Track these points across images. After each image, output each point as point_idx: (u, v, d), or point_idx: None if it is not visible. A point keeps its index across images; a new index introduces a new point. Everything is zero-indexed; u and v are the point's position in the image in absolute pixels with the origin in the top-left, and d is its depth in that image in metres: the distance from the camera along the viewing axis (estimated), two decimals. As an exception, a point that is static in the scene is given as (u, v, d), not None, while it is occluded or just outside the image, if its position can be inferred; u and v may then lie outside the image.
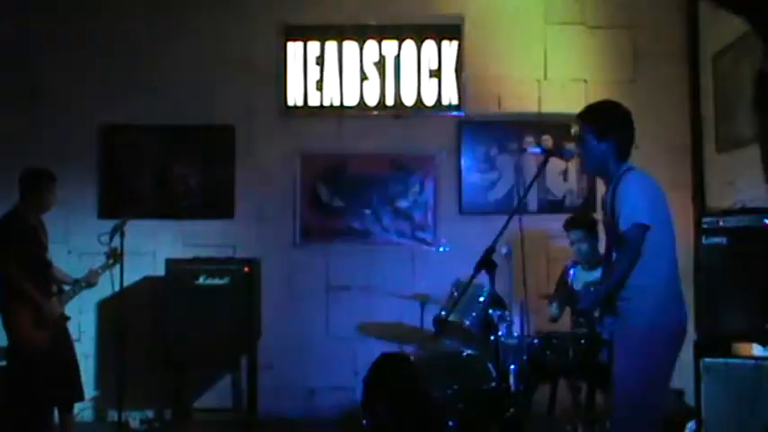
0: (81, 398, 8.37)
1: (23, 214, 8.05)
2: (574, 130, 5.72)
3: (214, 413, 9.58)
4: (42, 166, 8.27)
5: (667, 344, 5.40)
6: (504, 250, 7.39)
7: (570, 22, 9.88)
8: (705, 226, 7.32)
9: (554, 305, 8.25)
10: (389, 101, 9.83)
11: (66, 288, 8.26)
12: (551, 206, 9.70)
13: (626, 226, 5.33)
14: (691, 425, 7.57)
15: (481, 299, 7.73)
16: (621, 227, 5.36)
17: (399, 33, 9.87)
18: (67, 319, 8.23)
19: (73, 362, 8.29)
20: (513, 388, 7.30)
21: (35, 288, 7.88)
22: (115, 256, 7.92)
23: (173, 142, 9.85)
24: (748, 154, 7.99)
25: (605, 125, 5.59)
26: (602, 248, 6.95)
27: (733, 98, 8.69)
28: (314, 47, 9.88)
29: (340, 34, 9.88)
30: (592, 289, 6.21)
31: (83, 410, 9.40)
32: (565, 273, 8.35)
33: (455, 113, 9.82)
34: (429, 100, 9.83)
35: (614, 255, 5.56)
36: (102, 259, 8.13)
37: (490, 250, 5.85)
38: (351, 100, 9.84)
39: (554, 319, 8.28)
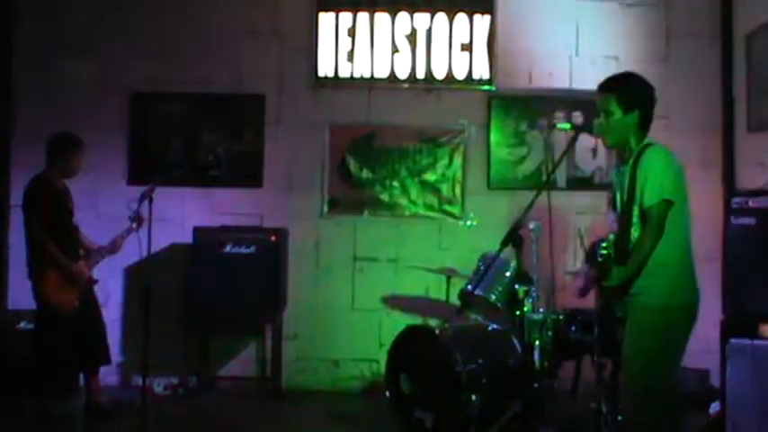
0: (107, 361, 8.43)
1: (50, 178, 8.10)
2: (597, 104, 5.63)
3: (238, 381, 9.62)
4: (70, 132, 8.32)
5: (680, 323, 5.34)
6: (531, 225, 7.39)
7: (604, -1, 9.84)
8: (734, 206, 7.29)
9: (581, 281, 8.21)
10: (420, 74, 9.80)
11: (93, 252, 8.31)
12: (580, 183, 9.66)
13: (652, 202, 5.27)
14: (715, 405, 7.56)
15: (507, 274, 7.74)
16: (647, 202, 5.29)
17: (431, 6, 9.81)
18: (95, 282, 8.29)
19: (100, 325, 8.36)
20: (537, 364, 7.32)
21: (62, 251, 7.94)
22: (139, 222, 7.95)
23: (203, 111, 9.86)
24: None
25: (632, 95, 5.52)
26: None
27: (766, 78, 8.63)
28: (345, 18, 9.85)
29: (372, 6, 9.83)
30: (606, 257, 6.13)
31: (108, 375, 9.46)
32: (595, 249, 8.27)
33: (486, 88, 9.78)
34: (460, 74, 9.79)
35: (632, 232, 5.47)
36: (127, 224, 8.17)
37: (517, 225, 5.84)
38: (381, 72, 9.82)
39: (582, 295, 8.24)
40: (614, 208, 5.78)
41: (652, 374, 5.28)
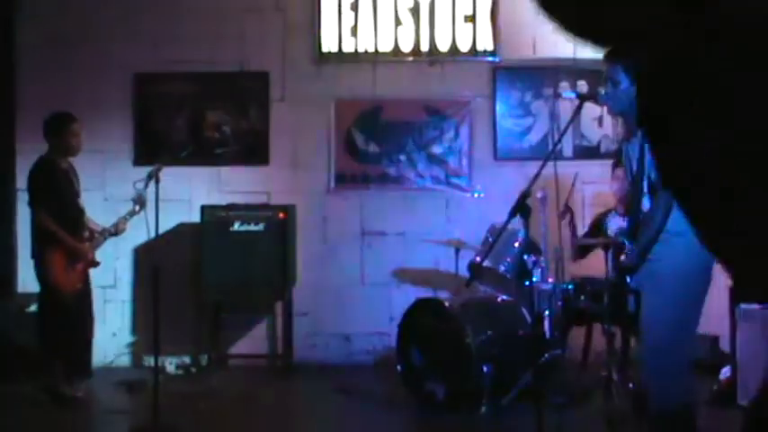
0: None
1: (53, 160, 8.11)
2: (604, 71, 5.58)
3: (250, 359, 9.66)
4: (63, 111, 8.32)
5: (696, 288, 5.37)
6: (539, 194, 7.38)
7: (606, -35, 9.76)
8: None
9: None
10: (424, 46, 9.78)
11: (97, 234, 8.34)
12: (586, 152, 9.65)
13: None
14: (725, 370, 7.57)
15: (516, 244, 7.74)
16: (656, 175, 5.30)
17: (434, -22, 9.81)
18: (97, 264, 8.33)
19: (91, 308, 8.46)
20: (547, 333, 7.33)
21: (67, 232, 7.98)
22: (141, 203, 7.98)
23: (207, 89, 9.86)
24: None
25: None
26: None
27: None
28: (348, -8, 9.84)
29: (374, -21, 9.84)
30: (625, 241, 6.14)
31: (120, 356, 9.53)
32: (601, 219, 8.26)
33: (490, 59, 9.76)
34: (464, 45, 9.77)
35: (645, 202, 5.47)
36: (130, 206, 8.20)
37: (524, 195, 5.83)
38: (385, 46, 9.79)
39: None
40: (630, 179, 5.78)
41: (669, 341, 5.28)
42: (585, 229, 8.42)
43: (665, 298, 5.34)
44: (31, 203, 8.02)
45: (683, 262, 5.30)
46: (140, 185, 7.43)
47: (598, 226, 8.24)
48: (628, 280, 5.89)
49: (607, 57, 5.55)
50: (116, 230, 8.34)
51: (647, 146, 5.35)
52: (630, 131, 5.61)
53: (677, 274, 5.30)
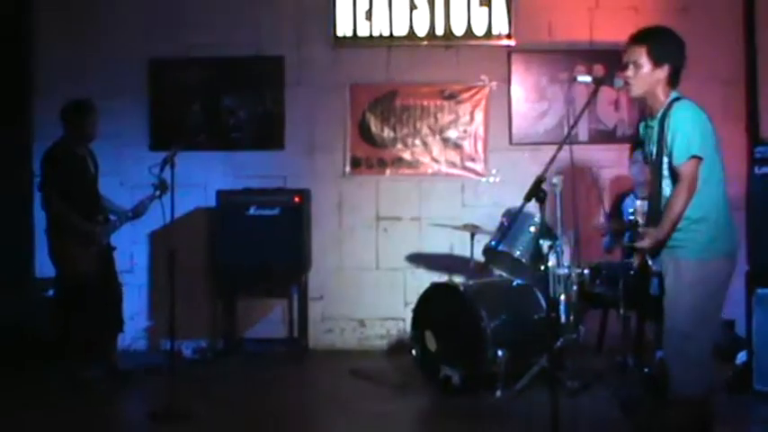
0: (120, 328, 8.49)
1: (68, 145, 8.14)
2: (625, 55, 5.55)
3: (265, 343, 9.67)
4: (82, 98, 8.34)
5: (719, 274, 5.35)
6: (554, 180, 7.35)
7: (623, -51, 9.73)
8: (757, 156, 7.25)
9: (606, 238, 8.20)
10: (439, 30, 9.75)
11: (113, 218, 8.34)
12: (602, 136, 9.62)
13: (682, 159, 5.22)
14: (741, 355, 7.56)
15: (531, 229, 7.73)
16: (677, 160, 5.25)
17: (449, -39, 9.78)
18: (113, 249, 8.34)
19: (117, 293, 8.44)
20: (562, 318, 7.33)
21: (80, 217, 7.99)
22: (163, 188, 7.95)
23: (222, 74, 9.86)
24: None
25: (664, 49, 5.45)
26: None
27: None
28: (363, -24, 9.83)
29: (389, -37, 9.81)
30: (639, 220, 6.12)
31: (137, 340, 9.57)
32: (619, 202, 8.25)
33: (505, 43, 9.73)
34: (479, 29, 9.73)
35: (664, 186, 5.44)
36: (151, 190, 8.18)
37: (540, 180, 5.83)
38: (400, 30, 9.77)
39: (608, 251, 8.24)
40: (646, 161, 5.75)
41: (691, 326, 5.27)
42: (607, 213, 8.36)
43: (684, 286, 5.31)
44: (42, 187, 8.05)
45: (704, 249, 5.29)
46: (156, 170, 7.43)
47: (617, 209, 8.23)
48: (650, 263, 5.86)
49: (631, 40, 5.53)
50: (134, 214, 8.34)
51: (666, 127, 5.33)
52: (651, 112, 5.57)
53: (699, 261, 5.28)
